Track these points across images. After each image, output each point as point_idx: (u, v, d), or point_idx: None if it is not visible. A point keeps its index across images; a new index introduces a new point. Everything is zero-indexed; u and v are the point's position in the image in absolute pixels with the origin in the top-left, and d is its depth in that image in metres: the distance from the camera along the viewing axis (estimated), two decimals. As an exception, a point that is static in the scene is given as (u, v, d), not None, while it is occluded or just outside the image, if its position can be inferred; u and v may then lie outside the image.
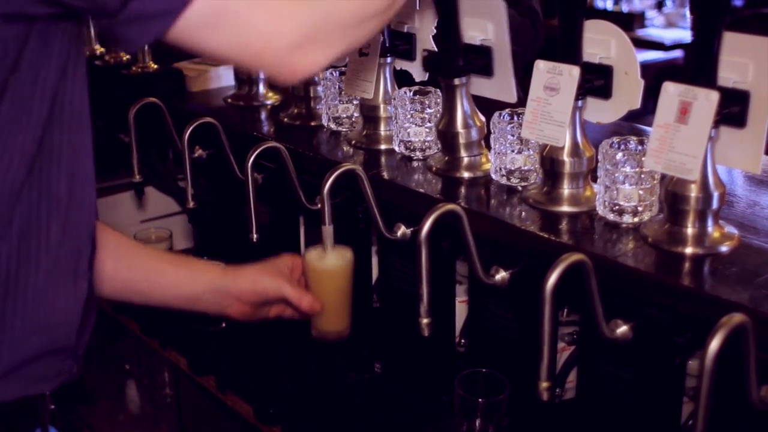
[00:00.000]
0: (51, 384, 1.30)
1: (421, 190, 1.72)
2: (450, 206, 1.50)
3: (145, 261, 1.69)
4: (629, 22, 5.92)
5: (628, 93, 1.53)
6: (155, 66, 2.56)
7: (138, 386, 2.69)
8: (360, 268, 1.93)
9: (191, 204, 2.05)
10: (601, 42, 1.53)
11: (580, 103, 1.55)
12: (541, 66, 1.55)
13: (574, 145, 1.56)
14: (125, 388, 2.73)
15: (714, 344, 1.12)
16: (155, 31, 1.11)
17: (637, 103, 1.52)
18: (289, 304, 1.77)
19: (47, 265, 1.23)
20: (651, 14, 6.02)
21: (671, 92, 1.38)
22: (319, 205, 1.72)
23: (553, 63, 1.53)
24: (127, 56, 2.65)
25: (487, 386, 1.60)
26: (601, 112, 1.57)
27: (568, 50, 1.52)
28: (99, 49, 2.73)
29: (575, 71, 1.51)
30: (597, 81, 1.54)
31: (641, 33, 5.84)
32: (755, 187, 1.69)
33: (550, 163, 1.58)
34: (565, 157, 1.56)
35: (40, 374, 1.27)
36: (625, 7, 6.22)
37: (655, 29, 5.84)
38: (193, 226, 2.47)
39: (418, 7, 1.84)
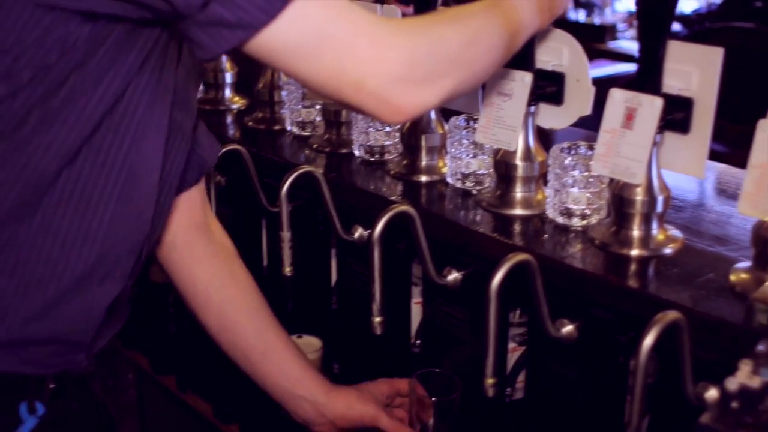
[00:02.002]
0: (50, 369, 1.27)
1: (379, 193, 1.75)
2: (403, 207, 1.54)
3: (272, 333, 1.64)
4: (601, 34, 5.98)
5: (579, 99, 1.56)
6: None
7: (102, 387, 2.70)
8: (319, 270, 1.97)
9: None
10: (554, 49, 1.57)
11: (532, 108, 1.59)
12: (495, 72, 1.59)
13: (527, 149, 1.60)
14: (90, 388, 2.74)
15: (648, 340, 1.15)
16: (229, 41, 1.07)
17: (588, 110, 1.56)
18: None
19: (87, 261, 1.23)
20: (622, 27, 6.08)
21: (617, 99, 1.42)
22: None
23: (507, 69, 1.56)
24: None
25: (441, 386, 1.62)
26: (554, 118, 1.61)
27: (521, 57, 1.56)
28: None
29: (528, 78, 1.55)
30: (549, 87, 1.58)
31: (612, 45, 5.90)
32: (704, 193, 1.73)
33: (503, 167, 1.62)
34: (518, 161, 1.60)
35: (41, 359, 1.26)
36: (597, 20, 6.28)
37: (626, 41, 5.89)
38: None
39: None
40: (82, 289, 1.25)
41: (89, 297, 1.26)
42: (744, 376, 1.05)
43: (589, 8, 6.37)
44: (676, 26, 5.88)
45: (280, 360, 1.62)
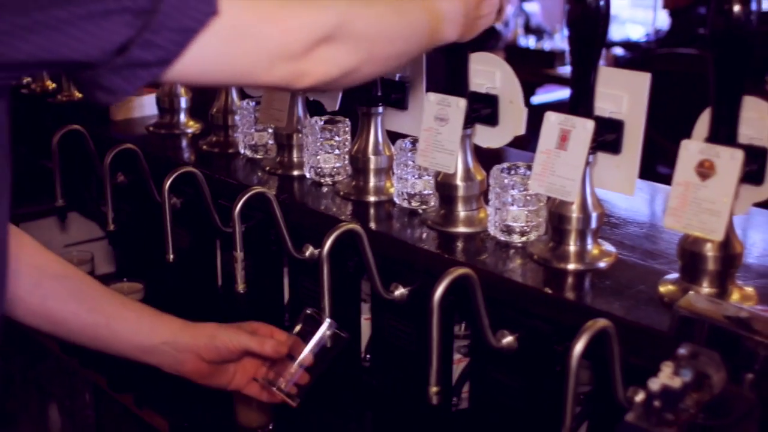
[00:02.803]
0: None
1: (329, 213, 1.82)
2: (350, 225, 1.61)
3: (106, 303, 1.59)
4: (550, 60, 6.12)
5: (513, 120, 1.65)
6: (80, 95, 2.64)
7: (59, 408, 2.73)
8: (272, 288, 2.03)
9: (111, 226, 2.13)
10: (487, 73, 1.65)
11: (469, 131, 1.67)
12: (431, 98, 1.67)
13: (466, 170, 1.68)
14: (47, 410, 2.77)
15: (578, 346, 1.23)
16: (143, 80, 1.07)
17: (522, 129, 1.64)
18: (252, 397, 1.70)
19: None
20: (571, 53, 6.23)
21: (552, 121, 1.50)
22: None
23: (442, 95, 1.64)
24: (54, 84, 2.74)
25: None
26: (490, 138, 1.69)
27: (455, 83, 1.64)
28: (26, 78, 2.81)
29: (462, 103, 1.63)
30: (484, 110, 1.66)
31: (562, 71, 6.04)
32: (640, 211, 1.81)
33: (445, 188, 1.70)
34: (458, 182, 1.68)
35: None
36: (546, 46, 6.42)
37: (575, 67, 6.04)
38: (114, 248, 2.55)
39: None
40: None
41: None
42: (665, 377, 1.13)
43: (539, 34, 6.51)
44: (621, 51, 6.02)
45: (127, 322, 1.58)
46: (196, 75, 1.12)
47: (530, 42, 6.49)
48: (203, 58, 1.09)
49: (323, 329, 1.57)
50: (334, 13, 1.19)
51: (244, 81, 1.23)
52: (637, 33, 6.34)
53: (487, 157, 1.77)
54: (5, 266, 1.23)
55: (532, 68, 5.89)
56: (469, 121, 1.65)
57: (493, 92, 1.66)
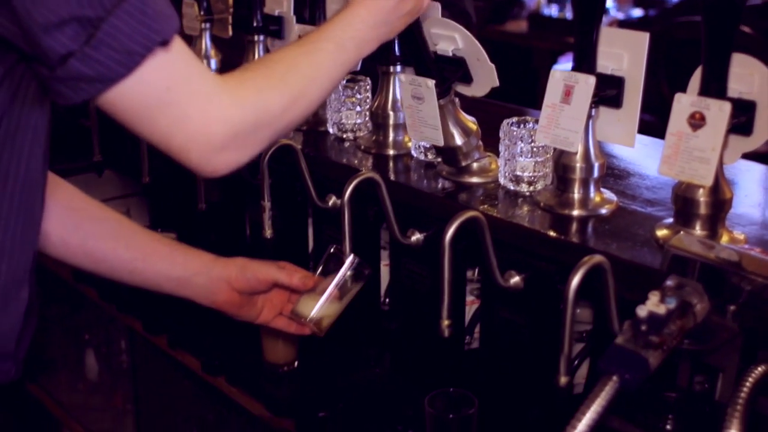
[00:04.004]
0: None
1: (351, 165, 1.95)
2: (369, 174, 1.73)
3: (142, 240, 1.67)
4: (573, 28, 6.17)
5: (485, 75, 1.78)
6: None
7: (96, 355, 2.88)
8: (297, 237, 2.16)
9: (146, 179, 2.26)
10: (448, 37, 1.78)
11: (446, 100, 1.79)
12: (403, 79, 1.81)
13: (460, 130, 1.80)
14: (84, 357, 2.92)
15: (575, 279, 1.35)
16: (88, 93, 1.13)
17: (495, 82, 1.77)
18: (280, 327, 1.78)
19: (7, 279, 1.28)
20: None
21: (557, 77, 1.61)
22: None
23: (412, 77, 1.78)
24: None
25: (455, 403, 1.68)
26: (470, 90, 1.82)
27: (420, 61, 1.78)
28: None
29: (430, 83, 1.76)
30: (455, 73, 1.78)
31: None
32: (643, 164, 1.93)
33: (445, 151, 1.84)
34: (457, 143, 1.80)
35: None
36: (569, 14, 6.48)
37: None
38: (148, 200, 2.68)
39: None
40: (6, 301, 1.30)
41: (12, 307, 1.31)
42: (652, 305, 1.25)
43: (562, 3, 6.56)
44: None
45: (161, 256, 1.67)
46: (127, 113, 1.17)
47: (552, 11, 6.55)
48: (134, 98, 1.14)
49: (348, 263, 1.69)
50: (252, 110, 1.25)
51: (162, 144, 1.23)
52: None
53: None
54: (41, 206, 1.34)
55: (555, 37, 5.95)
56: (444, 91, 1.77)
57: (459, 54, 1.78)
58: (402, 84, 1.79)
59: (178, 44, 1.19)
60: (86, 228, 1.63)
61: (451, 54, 1.78)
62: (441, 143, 1.78)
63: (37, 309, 1.40)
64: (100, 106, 1.18)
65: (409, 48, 1.78)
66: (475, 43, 1.75)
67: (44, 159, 1.31)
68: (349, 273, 1.69)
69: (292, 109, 1.33)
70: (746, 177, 1.85)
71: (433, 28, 1.77)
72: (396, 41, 1.94)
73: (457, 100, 1.82)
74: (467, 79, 1.79)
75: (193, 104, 1.20)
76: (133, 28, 1.12)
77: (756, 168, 1.91)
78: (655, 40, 4.42)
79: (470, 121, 1.82)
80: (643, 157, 1.96)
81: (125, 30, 1.11)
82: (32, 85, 1.23)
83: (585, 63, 1.60)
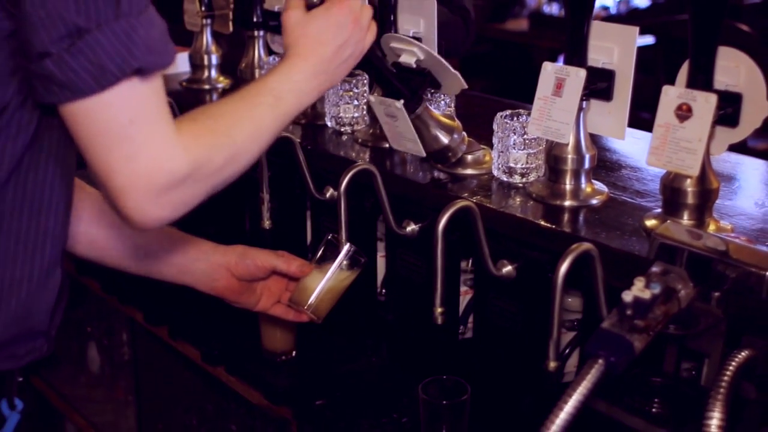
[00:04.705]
0: (22, 361, 1.36)
1: (348, 158, 1.98)
2: (364, 165, 1.77)
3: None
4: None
5: (452, 81, 1.83)
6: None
7: (98, 347, 2.91)
8: (296, 229, 2.19)
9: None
10: (407, 51, 1.83)
11: (419, 110, 1.81)
12: (372, 100, 1.84)
13: (444, 130, 1.83)
14: (86, 350, 2.95)
15: (564, 266, 1.39)
16: (56, 97, 1.14)
17: (463, 84, 1.81)
18: (276, 314, 1.80)
19: (41, 264, 1.32)
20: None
21: (549, 70, 1.65)
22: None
23: (381, 98, 1.81)
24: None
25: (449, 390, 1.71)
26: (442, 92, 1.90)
27: (384, 83, 1.82)
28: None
29: (398, 104, 1.78)
30: (422, 85, 1.82)
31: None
32: (632, 156, 1.96)
33: (435, 154, 1.85)
34: (444, 143, 1.83)
35: (12, 353, 1.34)
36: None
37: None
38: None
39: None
40: (47, 280, 1.35)
41: (50, 285, 1.35)
42: (637, 290, 1.28)
43: (562, 2, 6.59)
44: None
45: (164, 243, 1.69)
46: (81, 129, 1.17)
47: (553, 9, 6.58)
48: (96, 119, 1.15)
49: (344, 251, 1.73)
50: (196, 164, 1.23)
51: (103, 177, 1.20)
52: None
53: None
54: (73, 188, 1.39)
55: (555, 35, 5.98)
56: (414, 105, 1.79)
57: (423, 65, 1.82)
58: (374, 104, 1.82)
59: (156, 82, 1.20)
60: (90, 216, 1.66)
61: (414, 66, 1.81)
62: (423, 155, 1.82)
63: (68, 286, 1.42)
64: (63, 116, 1.18)
65: (370, 72, 1.80)
66: (434, 56, 1.79)
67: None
68: (345, 261, 1.72)
69: (231, 165, 1.32)
70: (736, 170, 1.88)
71: (391, 42, 1.81)
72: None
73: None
74: (436, 85, 1.84)
75: (148, 146, 1.19)
76: (115, 49, 1.13)
77: (747, 161, 1.95)
78: (654, 39, 4.44)
79: (449, 119, 1.85)
80: (636, 150, 1.99)
81: (107, 47, 1.13)
82: None
83: (576, 56, 1.63)
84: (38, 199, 1.30)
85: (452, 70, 1.79)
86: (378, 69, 1.77)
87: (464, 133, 1.86)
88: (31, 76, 1.16)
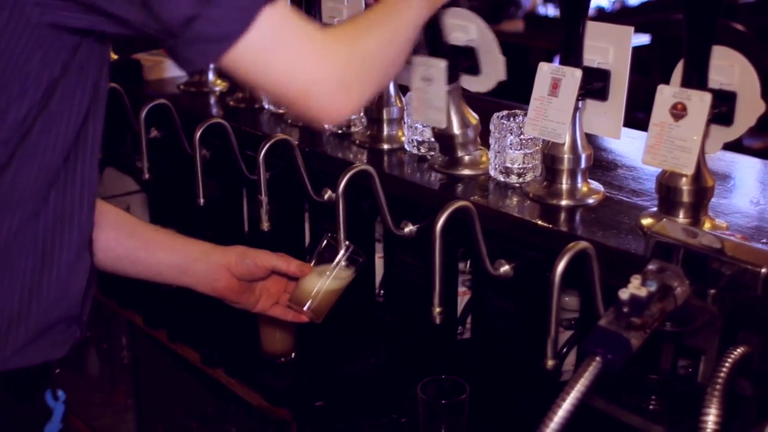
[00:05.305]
0: (64, 349, 1.35)
1: (346, 159, 1.99)
2: (362, 166, 1.78)
3: (142, 230, 1.70)
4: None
5: (494, 67, 1.82)
6: (115, 56, 2.81)
7: (97, 351, 2.92)
8: (294, 231, 2.20)
9: (146, 176, 2.31)
10: (462, 27, 1.82)
11: (454, 86, 1.82)
12: (416, 61, 1.82)
13: (460, 118, 1.84)
14: (86, 354, 2.96)
15: (561, 264, 1.40)
16: (214, 53, 1.18)
17: (503, 75, 1.81)
18: (277, 313, 1.79)
19: (78, 242, 1.32)
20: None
21: (545, 71, 1.66)
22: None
23: (425, 58, 1.81)
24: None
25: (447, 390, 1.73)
26: (476, 84, 1.86)
27: (434, 42, 1.80)
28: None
29: (442, 64, 1.78)
30: (465, 62, 1.83)
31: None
32: (629, 156, 1.97)
33: (442, 138, 1.87)
34: (455, 130, 1.84)
35: (57, 340, 1.33)
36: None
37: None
38: (149, 197, 2.73)
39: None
40: (78, 265, 1.35)
41: (81, 269, 1.35)
42: (633, 288, 1.29)
43: (557, 3, 6.60)
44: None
45: (162, 244, 1.69)
46: (247, 67, 1.22)
47: (549, 10, 6.60)
48: (251, 51, 1.19)
49: (343, 250, 1.74)
50: (354, 48, 1.30)
51: (281, 93, 1.28)
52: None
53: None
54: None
55: (551, 36, 6.00)
56: (453, 76, 1.80)
57: (471, 44, 1.82)
58: (413, 66, 1.82)
59: (283, 2, 1.24)
60: None
61: (463, 44, 1.82)
62: (444, 125, 1.81)
63: (96, 272, 1.44)
64: (222, 67, 1.22)
65: (426, 31, 1.81)
66: (489, 34, 1.80)
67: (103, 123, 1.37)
68: (344, 260, 1.73)
69: (386, 52, 1.37)
70: (732, 168, 1.89)
71: (451, 18, 1.81)
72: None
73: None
74: (475, 71, 1.83)
75: (303, 46, 1.24)
76: None
77: (742, 159, 1.96)
78: (650, 38, 4.45)
79: (471, 115, 1.86)
80: (632, 150, 2.01)
81: None
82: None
83: (572, 57, 1.64)
84: (80, 181, 1.30)
85: (499, 54, 1.80)
86: (433, 30, 1.77)
87: (479, 139, 1.88)
88: (183, 47, 1.19)
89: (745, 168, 1.93)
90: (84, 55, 1.23)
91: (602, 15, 6.14)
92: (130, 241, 1.67)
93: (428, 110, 1.81)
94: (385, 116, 2.04)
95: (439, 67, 1.78)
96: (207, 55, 1.20)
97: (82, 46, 1.23)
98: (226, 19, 1.17)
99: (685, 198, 1.53)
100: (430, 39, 1.80)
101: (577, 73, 1.62)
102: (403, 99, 2.03)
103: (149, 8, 1.16)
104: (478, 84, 1.84)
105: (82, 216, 1.32)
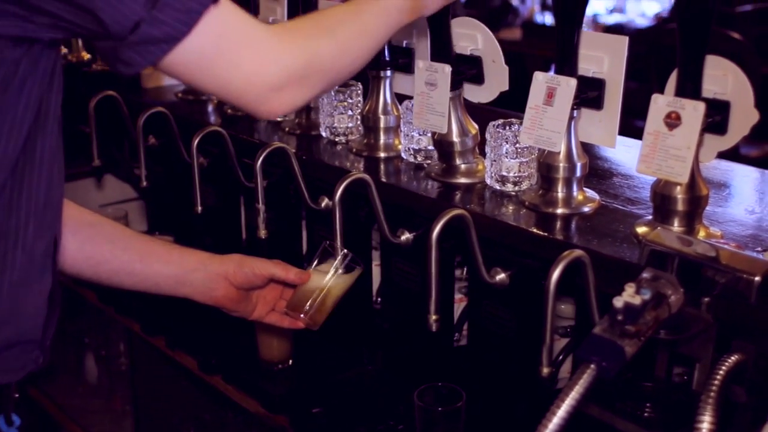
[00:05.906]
0: (18, 374, 1.34)
1: (343, 167, 2.00)
2: (359, 174, 1.79)
3: (137, 242, 1.69)
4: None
5: (497, 77, 1.83)
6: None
7: (95, 358, 2.93)
8: (291, 239, 2.21)
9: (144, 183, 2.32)
10: (469, 36, 1.83)
11: (457, 92, 1.84)
12: (420, 65, 1.85)
13: (459, 126, 1.85)
14: (84, 360, 2.97)
15: (556, 272, 1.41)
16: (158, 54, 1.20)
17: (506, 86, 1.82)
18: (274, 318, 1.79)
19: (23, 263, 1.29)
20: (588, 29, 6.36)
21: (540, 80, 1.67)
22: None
23: (429, 62, 1.82)
24: (88, 55, 2.93)
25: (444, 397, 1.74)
26: (478, 94, 1.87)
27: (440, 49, 1.81)
28: (63, 49, 3.00)
29: (447, 69, 1.80)
30: (470, 71, 1.84)
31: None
32: (624, 164, 1.98)
33: (442, 144, 1.88)
34: (454, 138, 1.85)
35: (8, 365, 1.31)
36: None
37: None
38: (147, 204, 2.74)
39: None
40: (27, 285, 1.32)
41: (35, 290, 1.33)
42: (628, 296, 1.30)
43: (556, 11, 6.62)
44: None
45: (158, 255, 1.68)
46: (187, 68, 1.24)
47: (546, 19, 6.62)
48: (194, 52, 1.21)
49: (340, 258, 1.74)
50: (303, 53, 1.32)
51: (221, 92, 1.31)
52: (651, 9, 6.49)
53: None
54: (60, 190, 1.38)
55: (548, 44, 6.01)
56: (456, 83, 1.82)
57: (476, 53, 1.83)
58: (418, 70, 1.83)
59: (228, 2, 1.26)
60: (83, 233, 1.64)
61: (468, 53, 1.84)
62: (445, 130, 1.83)
63: (60, 296, 1.41)
64: (161, 68, 1.24)
65: (433, 37, 1.83)
66: (495, 44, 1.82)
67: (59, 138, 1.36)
68: (341, 268, 1.74)
69: (341, 59, 1.39)
70: (727, 177, 1.90)
71: (457, 27, 1.83)
72: (386, 46, 2.00)
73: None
74: (479, 80, 1.85)
75: (246, 48, 1.26)
76: None
77: (738, 168, 1.97)
78: (647, 47, 4.47)
79: (471, 124, 1.88)
80: (627, 158, 2.02)
81: None
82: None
83: (567, 66, 1.65)
84: (26, 200, 1.29)
85: (504, 65, 1.81)
86: (440, 35, 1.79)
87: (477, 149, 1.89)
88: (126, 49, 1.19)
89: (740, 177, 1.94)
90: (26, 70, 1.22)
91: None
92: (126, 254, 1.65)
93: (430, 115, 1.82)
94: (382, 125, 2.05)
95: (444, 72, 1.79)
96: (150, 56, 1.21)
97: (23, 60, 1.21)
98: (172, 20, 1.18)
99: (680, 207, 1.54)
100: (436, 46, 1.81)
101: (572, 83, 1.63)
102: (399, 107, 2.04)
103: (92, 12, 1.15)
104: (481, 94, 1.85)
105: (27, 236, 1.29)
